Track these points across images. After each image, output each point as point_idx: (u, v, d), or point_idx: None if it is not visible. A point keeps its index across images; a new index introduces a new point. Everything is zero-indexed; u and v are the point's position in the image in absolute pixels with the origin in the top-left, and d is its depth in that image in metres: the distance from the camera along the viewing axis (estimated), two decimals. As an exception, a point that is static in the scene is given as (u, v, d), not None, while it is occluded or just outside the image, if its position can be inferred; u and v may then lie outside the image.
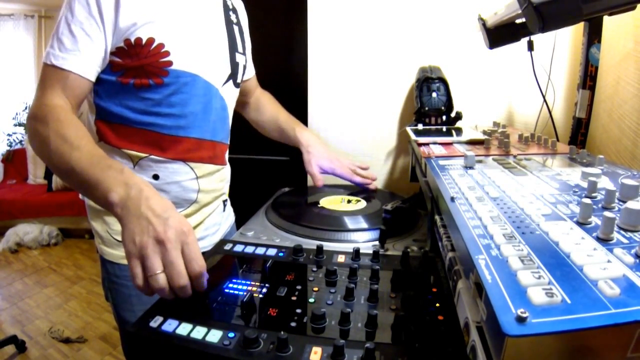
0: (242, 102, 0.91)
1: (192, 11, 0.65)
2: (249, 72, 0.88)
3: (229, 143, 0.80)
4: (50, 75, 0.56)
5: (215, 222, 0.78)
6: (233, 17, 0.76)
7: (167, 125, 0.65)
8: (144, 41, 0.58)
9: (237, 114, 0.84)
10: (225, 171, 0.79)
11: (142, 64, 0.59)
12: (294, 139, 0.88)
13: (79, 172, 0.49)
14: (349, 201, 0.82)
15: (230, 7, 0.76)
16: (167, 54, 0.60)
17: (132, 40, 0.58)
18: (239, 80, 0.78)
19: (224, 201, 0.82)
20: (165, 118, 0.64)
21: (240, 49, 0.77)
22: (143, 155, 0.65)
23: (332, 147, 1.06)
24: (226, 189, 0.83)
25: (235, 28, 0.76)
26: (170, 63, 0.61)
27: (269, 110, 0.92)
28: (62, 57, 0.55)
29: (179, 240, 0.42)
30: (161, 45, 0.60)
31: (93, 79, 0.59)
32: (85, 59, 0.56)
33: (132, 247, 0.42)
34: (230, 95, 0.75)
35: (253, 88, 0.92)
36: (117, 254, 0.68)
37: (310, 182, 0.90)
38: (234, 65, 0.74)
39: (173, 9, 0.62)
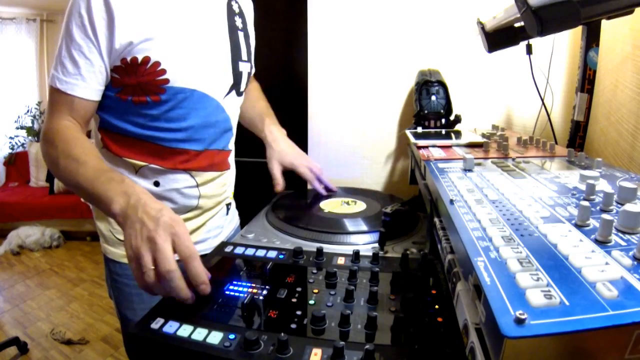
0: None
1: (191, 25, 0.63)
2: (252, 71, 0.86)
3: (232, 148, 0.79)
4: (56, 99, 0.59)
5: (217, 225, 0.78)
6: (238, 22, 0.74)
7: (166, 139, 0.65)
8: (139, 60, 0.58)
9: None
10: (228, 175, 0.79)
11: (139, 82, 0.60)
12: (260, 131, 0.86)
13: (85, 187, 0.53)
14: (348, 204, 0.82)
15: (236, 10, 0.74)
16: (164, 72, 0.60)
17: (129, 59, 0.58)
18: (242, 89, 0.76)
19: (228, 204, 0.82)
20: (164, 132, 0.64)
21: (244, 56, 0.74)
22: (143, 164, 0.66)
23: (332, 150, 1.07)
24: (229, 192, 0.82)
25: (240, 34, 0.74)
26: (167, 81, 0.61)
27: (247, 99, 0.87)
28: (66, 82, 0.57)
29: (169, 232, 0.45)
30: (157, 64, 0.59)
31: (98, 98, 0.61)
32: (88, 83, 0.58)
33: (130, 251, 0.45)
34: (233, 106, 0.74)
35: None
36: (118, 253, 0.69)
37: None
38: (237, 75, 0.72)
39: (171, 25, 0.60)
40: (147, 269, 0.44)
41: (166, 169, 0.67)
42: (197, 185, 0.71)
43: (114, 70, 0.59)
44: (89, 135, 0.69)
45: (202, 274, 0.45)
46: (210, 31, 0.67)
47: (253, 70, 0.86)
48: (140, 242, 0.45)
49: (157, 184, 0.67)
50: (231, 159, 0.80)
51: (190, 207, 0.71)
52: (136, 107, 0.62)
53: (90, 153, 0.56)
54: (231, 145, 0.78)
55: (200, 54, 0.65)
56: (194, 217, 0.73)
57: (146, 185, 0.66)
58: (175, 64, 0.61)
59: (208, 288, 0.46)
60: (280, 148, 0.84)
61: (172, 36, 0.61)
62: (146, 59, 0.58)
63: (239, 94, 0.76)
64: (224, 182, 0.77)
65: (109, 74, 0.60)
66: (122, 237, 0.68)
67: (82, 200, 0.72)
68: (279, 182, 0.82)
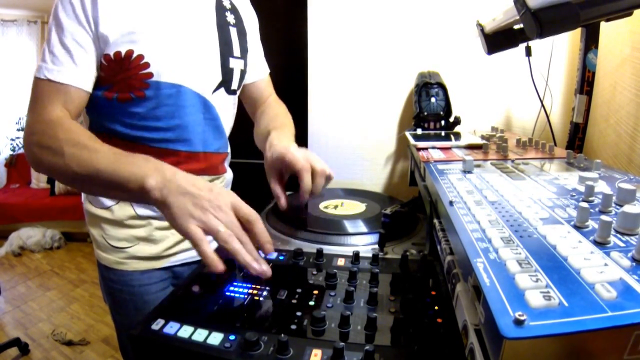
0: (252, 111, 0.83)
1: (175, 18, 0.61)
2: (257, 75, 0.79)
3: (228, 151, 0.76)
4: (46, 90, 0.54)
5: None
6: (230, 18, 0.70)
7: (155, 139, 0.63)
8: (123, 54, 0.56)
9: (236, 118, 0.82)
10: (223, 179, 0.77)
11: (123, 77, 0.58)
12: (264, 147, 0.67)
13: (106, 172, 0.48)
14: (347, 205, 0.82)
15: (228, 6, 0.70)
16: (147, 65, 0.58)
17: (112, 54, 0.56)
18: (234, 87, 0.72)
19: None
20: (152, 132, 0.63)
21: (236, 52, 0.70)
22: None
23: (332, 151, 1.07)
24: None
25: (232, 30, 0.70)
26: (150, 75, 0.58)
27: (263, 123, 0.75)
28: (57, 71, 0.54)
29: (228, 200, 0.44)
30: (140, 57, 0.57)
31: (91, 89, 0.58)
32: (82, 70, 0.56)
33: (188, 219, 0.43)
34: (222, 104, 0.70)
35: (262, 95, 0.81)
36: (111, 259, 0.68)
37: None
38: (227, 71, 0.69)
39: (154, 18, 0.58)
40: (217, 230, 0.42)
41: None
42: None
43: (100, 69, 0.58)
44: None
45: (266, 232, 0.46)
46: (196, 25, 0.64)
47: (260, 70, 0.80)
48: (201, 209, 0.43)
49: None
50: (227, 163, 0.77)
51: None
52: (122, 105, 0.60)
53: (98, 140, 0.52)
54: (226, 148, 0.76)
55: (185, 47, 0.62)
56: None
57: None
58: (158, 57, 0.59)
59: (272, 247, 0.47)
60: (273, 147, 0.62)
61: (156, 29, 0.59)
62: (129, 53, 0.57)
63: (230, 92, 0.71)
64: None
65: (99, 70, 0.58)
66: (114, 244, 0.66)
67: (82, 201, 0.72)
68: (279, 196, 0.60)
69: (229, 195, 0.45)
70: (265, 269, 0.44)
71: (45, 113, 0.54)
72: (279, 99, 0.85)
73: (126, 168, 0.47)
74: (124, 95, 0.59)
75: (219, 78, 0.68)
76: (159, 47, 0.59)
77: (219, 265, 0.42)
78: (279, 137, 0.65)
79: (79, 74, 0.55)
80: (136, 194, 0.47)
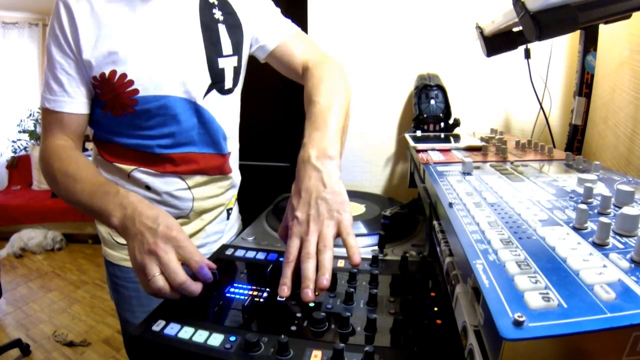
0: (295, 77, 0.74)
1: (155, 32, 0.60)
2: (276, 38, 0.71)
3: (228, 152, 0.74)
4: (47, 118, 0.61)
5: (217, 230, 0.77)
6: (218, 14, 0.67)
7: (151, 146, 0.65)
8: (107, 75, 0.58)
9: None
10: (226, 180, 0.76)
11: (112, 96, 0.60)
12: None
13: (84, 203, 0.54)
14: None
15: (214, 2, 0.67)
16: (132, 83, 0.59)
17: (98, 76, 0.59)
18: (228, 86, 0.69)
19: (229, 209, 0.80)
20: (150, 140, 0.64)
21: (227, 50, 0.67)
22: (133, 167, 0.66)
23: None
24: (230, 196, 0.79)
25: (221, 27, 0.66)
26: (136, 91, 0.60)
27: (307, 87, 0.67)
28: (53, 100, 0.59)
29: (170, 244, 0.46)
30: (124, 76, 0.59)
31: (87, 111, 0.62)
32: (74, 98, 0.60)
33: (134, 263, 0.47)
34: (216, 105, 0.68)
35: (293, 56, 0.71)
36: (117, 256, 0.69)
37: None
38: (216, 73, 0.66)
39: (133, 35, 0.59)
40: (151, 276, 0.44)
41: (156, 173, 0.67)
42: (189, 188, 0.70)
43: (94, 87, 0.61)
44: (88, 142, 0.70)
45: (209, 275, 0.48)
46: (177, 35, 0.62)
47: (266, 37, 0.72)
48: (143, 255, 0.46)
49: (148, 188, 0.67)
50: (233, 163, 0.76)
51: (185, 211, 0.70)
52: (117, 119, 0.63)
53: (86, 168, 0.57)
54: (229, 148, 0.74)
55: (167, 59, 0.61)
56: (191, 221, 0.72)
57: (138, 190, 0.66)
58: (141, 74, 0.60)
59: (209, 276, 0.48)
60: (297, 173, 0.51)
61: (136, 47, 0.59)
62: (113, 73, 0.58)
63: (224, 92, 0.69)
64: (221, 185, 0.75)
65: (93, 88, 0.61)
66: (120, 240, 0.69)
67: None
68: (283, 282, 0.43)
69: (172, 239, 0.47)
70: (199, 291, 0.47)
71: (47, 141, 0.61)
72: (323, 57, 0.72)
73: (98, 202, 0.53)
74: (117, 112, 0.62)
75: (207, 81, 0.66)
76: (140, 64, 0.60)
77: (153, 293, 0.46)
78: (311, 164, 0.49)
79: (72, 102, 0.60)
80: (108, 226, 0.52)
